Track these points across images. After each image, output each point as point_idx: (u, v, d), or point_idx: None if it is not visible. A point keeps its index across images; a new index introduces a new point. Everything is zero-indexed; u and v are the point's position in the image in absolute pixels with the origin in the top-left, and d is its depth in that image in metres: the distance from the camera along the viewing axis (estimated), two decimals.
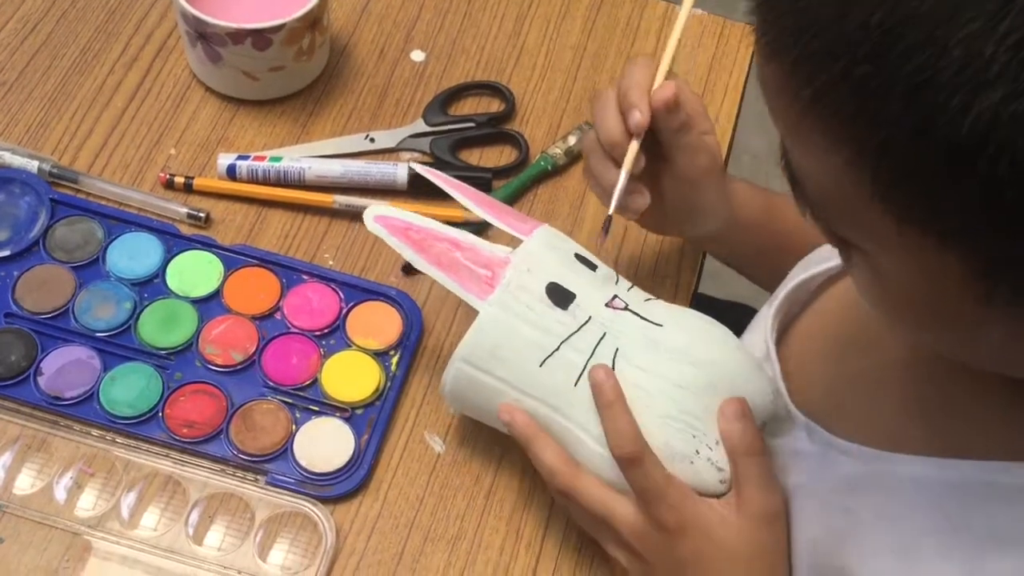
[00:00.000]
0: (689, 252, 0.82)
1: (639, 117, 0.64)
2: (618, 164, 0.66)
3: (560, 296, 0.64)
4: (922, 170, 0.38)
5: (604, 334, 0.63)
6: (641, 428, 0.60)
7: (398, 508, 0.69)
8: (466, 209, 0.69)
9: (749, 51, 0.93)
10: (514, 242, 0.67)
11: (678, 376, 0.62)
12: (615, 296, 0.65)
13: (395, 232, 0.66)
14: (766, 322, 0.68)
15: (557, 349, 0.63)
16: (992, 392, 0.54)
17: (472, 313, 0.64)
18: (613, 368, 0.62)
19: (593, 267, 0.66)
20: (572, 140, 0.84)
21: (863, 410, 0.62)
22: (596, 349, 0.63)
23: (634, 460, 0.59)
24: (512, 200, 0.82)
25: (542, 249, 0.66)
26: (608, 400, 0.61)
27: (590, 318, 0.63)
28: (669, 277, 0.80)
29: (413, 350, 0.75)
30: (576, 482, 0.62)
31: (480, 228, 0.76)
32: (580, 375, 0.63)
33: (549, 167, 0.84)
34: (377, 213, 0.66)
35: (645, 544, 0.61)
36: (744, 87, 0.91)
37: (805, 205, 0.47)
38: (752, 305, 0.81)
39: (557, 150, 0.84)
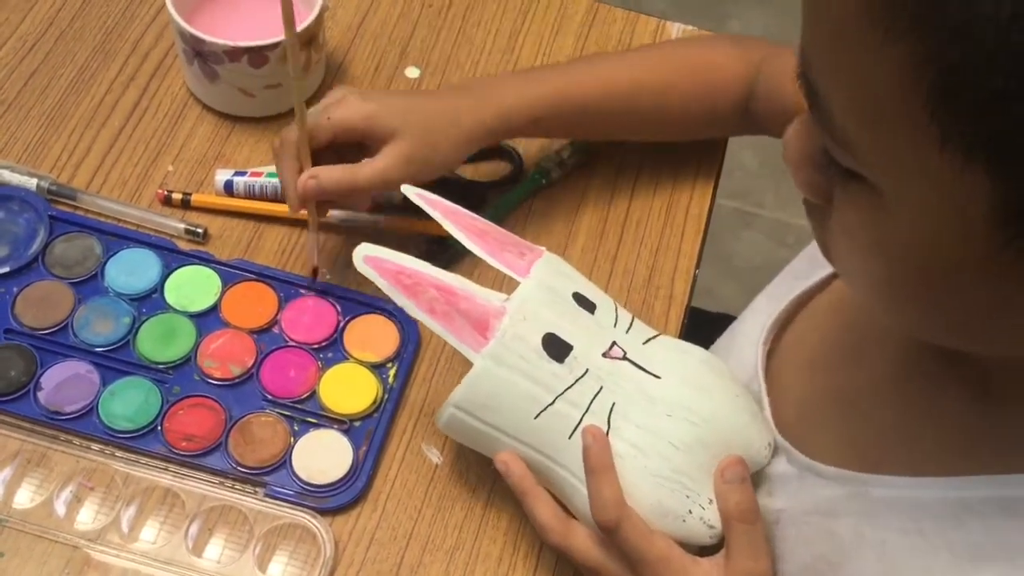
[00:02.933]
0: (683, 266, 0.83)
1: (293, 208, 0.73)
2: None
3: (557, 348, 0.63)
4: (1006, 70, 0.34)
5: (601, 388, 0.63)
6: (634, 486, 0.61)
7: (396, 519, 0.70)
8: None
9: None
10: (510, 277, 0.66)
11: (674, 435, 0.61)
12: (613, 344, 0.64)
13: (385, 275, 0.64)
14: (758, 344, 0.68)
15: (552, 403, 0.62)
16: (963, 407, 0.54)
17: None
18: (608, 424, 0.62)
19: (592, 307, 0.65)
20: (565, 154, 0.85)
21: (839, 431, 0.62)
22: (592, 404, 0.62)
23: (611, 528, 0.60)
24: (506, 214, 0.83)
25: (539, 294, 0.64)
26: (592, 466, 0.61)
27: (587, 371, 0.63)
28: (663, 288, 0.81)
29: (410, 362, 0.75)
30: (567, 540, 0.63)
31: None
32: (575, 428, 0.62)
33: (543, 181, 0.85)
34: (367, 254, 0.64)
35: None
36: None
37: (821, 127, 0.43)
38: None
39: (551, 164, 0.85)
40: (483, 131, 0.74)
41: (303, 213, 0.74)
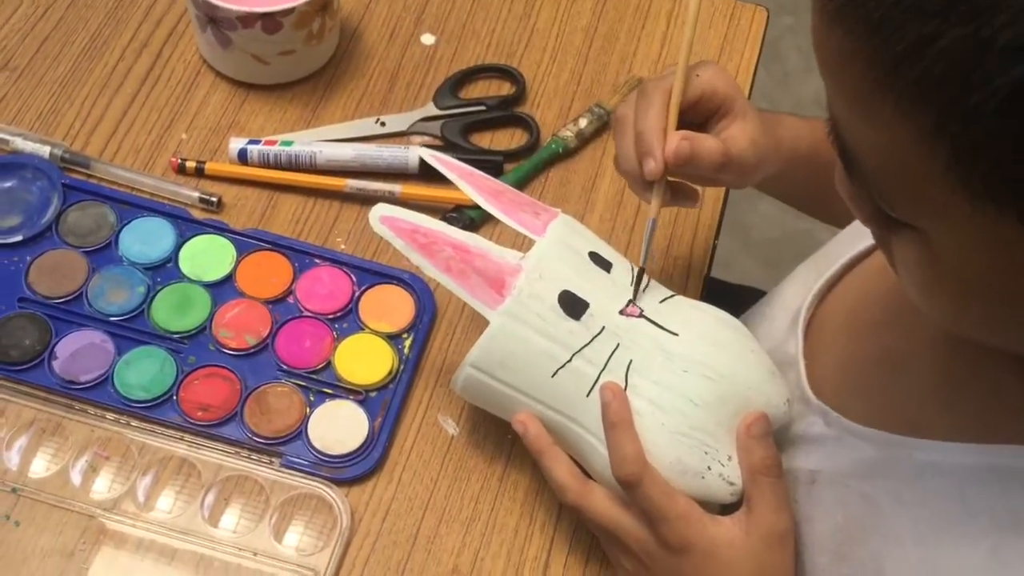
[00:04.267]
0: (701, 235, 0.82)
1: (653, 166, 0.62)
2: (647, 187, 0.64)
3: (573, 305, 0.62)
4: (1015, 136, 0.36)
5: (617, 345, 0.62)
6: (653, 444, 0.60)
7: (412, 490, 0.69)
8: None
9: (760, 32, 0.93)
10: (527, 238, 0.65)
11: (692, 391, 0.61)
12: (630, 302, 0.64)
13: (401, 234, 0.63)
14: (801, 308, 0.67)
15: (569, 360, 0.62)
16: (1011, 375, 0.53)
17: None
18: (626, 381, 0.62)
19: (608, 266, 0.65)
20: (583, 123, 0.84)
21: (880, 394, 0.61)
22: (609, 361, 0.62)
23: (632, 483, 0.59)
24: (523, 183, 0.82)
25: (555, 252, 0.64)
26: (612, 422, 0.60)
27: (603, 328, 0.62)
28: (681, 258, 0.80)
29: (426, 333, 0.75)
30: (585, 500, 0.62)
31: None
32: (593, 386, 0.62)
33: (560, 150, 0.83)
34: (383, 214, 0.64)
35: (652, 559, 0.61)
36: (755, 68, 0.91)
37: (858, 181, 0.45)
38: (762, 288, 0.81)
39: (568, 133, 0.84)
40: (788, 148, 0.69)
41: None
